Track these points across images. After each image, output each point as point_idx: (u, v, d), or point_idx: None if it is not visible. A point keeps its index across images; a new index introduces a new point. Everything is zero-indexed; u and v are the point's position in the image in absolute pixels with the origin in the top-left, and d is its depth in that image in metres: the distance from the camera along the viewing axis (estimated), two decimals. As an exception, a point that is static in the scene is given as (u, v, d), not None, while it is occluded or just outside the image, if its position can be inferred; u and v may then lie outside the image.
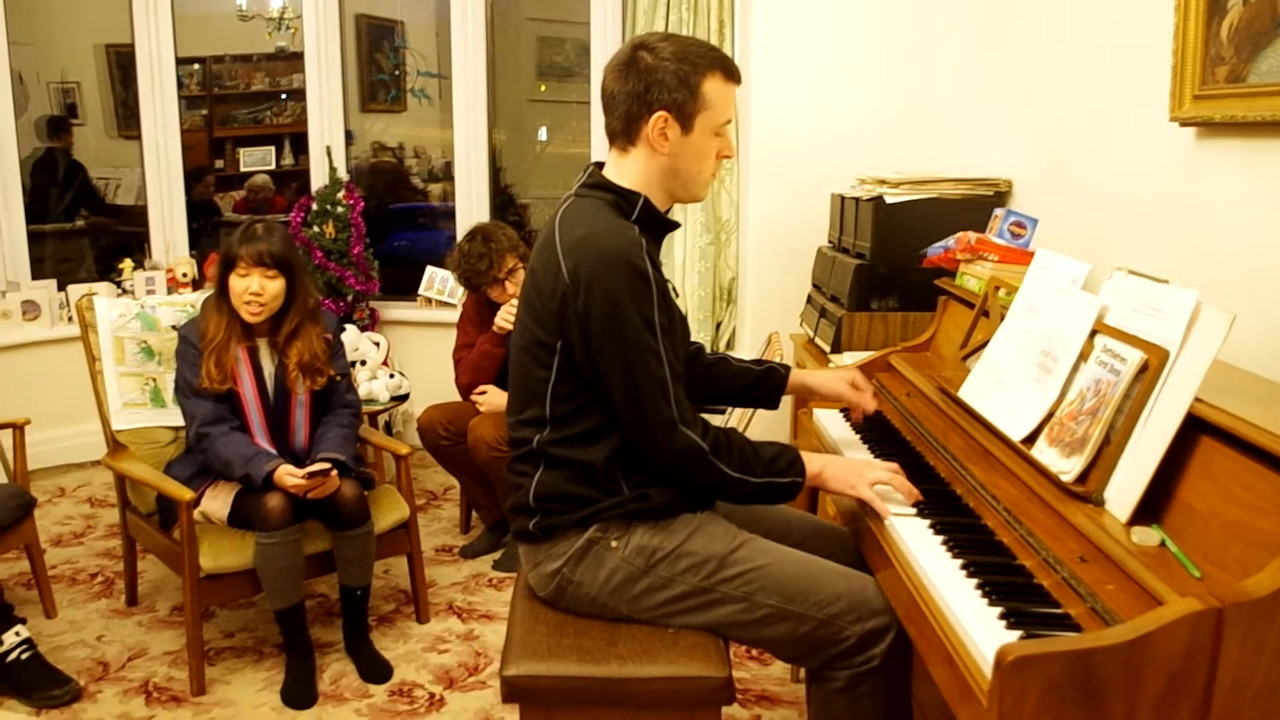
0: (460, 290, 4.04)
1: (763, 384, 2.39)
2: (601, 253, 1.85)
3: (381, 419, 4.92)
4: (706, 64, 1.92)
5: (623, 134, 1.97)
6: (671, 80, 1.89)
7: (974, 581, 1.63)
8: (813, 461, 2.00)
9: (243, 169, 7.11)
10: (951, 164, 3.65)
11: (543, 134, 7.06)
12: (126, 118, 5.36)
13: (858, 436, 2.43)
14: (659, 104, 1.90)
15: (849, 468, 2.00)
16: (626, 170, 1.98)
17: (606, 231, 1.89)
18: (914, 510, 1.91)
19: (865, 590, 1.93)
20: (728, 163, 4.32)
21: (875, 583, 1.93)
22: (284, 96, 7.09)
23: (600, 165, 2.04)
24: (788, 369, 2.41)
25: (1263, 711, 1.32)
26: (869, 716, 1.92)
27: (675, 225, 2.09)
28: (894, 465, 2.01)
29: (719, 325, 4.51)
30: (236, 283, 2.95)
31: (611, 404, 1.91)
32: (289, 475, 2.81)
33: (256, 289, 2.94)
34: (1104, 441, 1.68)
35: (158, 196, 5.27)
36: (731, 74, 1.97)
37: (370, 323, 4.98)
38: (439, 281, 5.14)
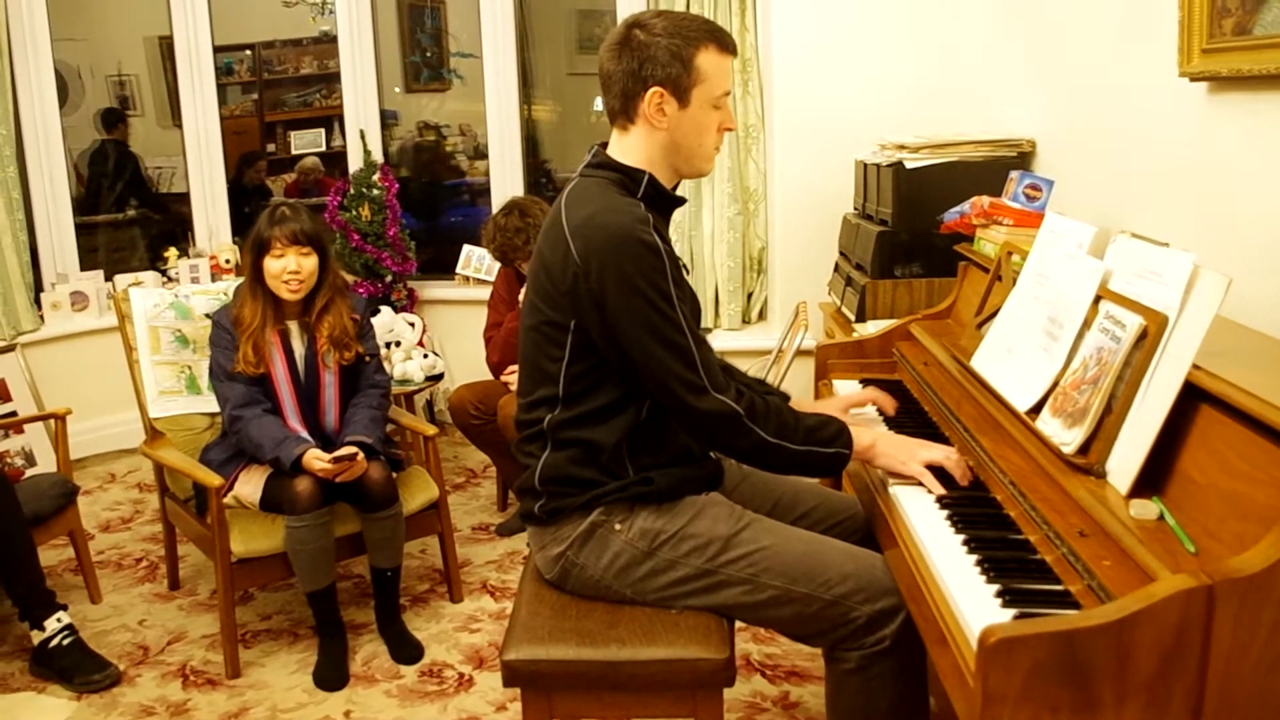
0: (498, 267, 4.06)
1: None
2: (609, 231, 1.84)
3: (421, 398, 4.96)
4: (699, 37, 1.91)
5: (621, 112, 1.96)
6: (664, 56, 1.89)
7: (974, 558, 1.60)
8: (863, 435, 1.96)
9: (294, 151, 7.19)
10: (978, 126, 3.56)
11: (598, 104, 7.06)
12: (177, 107, 5.45)
13: (875, 409, 2.39)
14: (653, 80, 1.90)
15: (902, 445, 1.95)
16: (629, 148, 1.98)
17: (611, 209, 1.88)
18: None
19: (874, 569, 1.90)
20: (755, 133, 4.27)
21: (884, 562, 1.90)
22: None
23: (605, 145, 2.03)
24: (786, 398, 2.32)
25: (1260, 689, 1.27)
26: (882, 697, 1.89)
27: (682, 201, 2.08)
28: (949, 448, 1.95)
29: (750, 295, 4.47)
30: (273, 264, 2.98)
31: (630, 379, 1.91)
32: (317, 459, 2.84)
33: (295, 267, 2.97)
34: (1105, 411, 1.63)
35: (200, 184, 5.34)
36: (726, 46, 1.95)
37: (408, 303, 5.01)
38: (476, 259, 5.15)
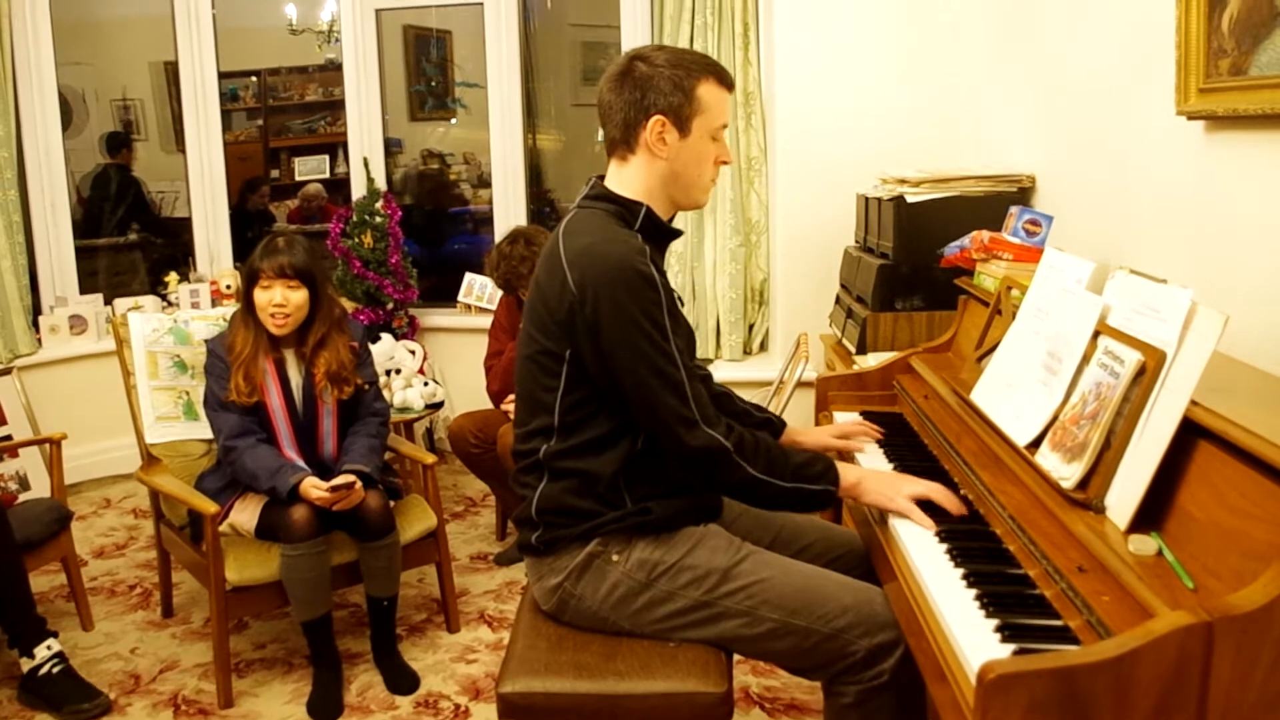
0: (499, 296, 4.08)
1: (759, 430, 2.35)
2: (606, 261, 1.85)
3: (421, 426, 4.95)
4: (700, 70, 1.95)
5: (622, 142, 1.99)
6: (667, 85, 1.92)
7: (973, 592, 1.59)
8: (849, 472, 1.97)
9: (298, 178, 7.23)
10: (978, 161, 3.59)
11: (602, 134, 7.10)
12: (181, 132, 5.49)
13: (875, 441, 2.39)
14: (655, 109, 1.93)
15: (889, 481, 1.96)
16: (627, 179, 1.99)
17: (609, 240, 1.89)
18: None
19: (873, 603, 1.89)
20: (757, 165, 4.29)
21: (884, 595, 1.90)
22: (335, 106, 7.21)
23: (602, 177, 2.05)
24: (783, 424, 2.37)
25: (1260, 727, 1.26)
26: None
27: (678, 233, 2.10)
28: (934, 483, 1.95)
29: (751, 327, 4.48)
30: (260, 296, 2.98)
31: (625, 410, 1.91)
32: (314, 488, 2.83)
33: (280, 300, 2.97)
34: (1104, 446, 1.63)
35: (201, 209, 5.35)
36: (725, 80, 1.99)
37: (409, 330, 5.02)
38: (478, 288, 5.17)
